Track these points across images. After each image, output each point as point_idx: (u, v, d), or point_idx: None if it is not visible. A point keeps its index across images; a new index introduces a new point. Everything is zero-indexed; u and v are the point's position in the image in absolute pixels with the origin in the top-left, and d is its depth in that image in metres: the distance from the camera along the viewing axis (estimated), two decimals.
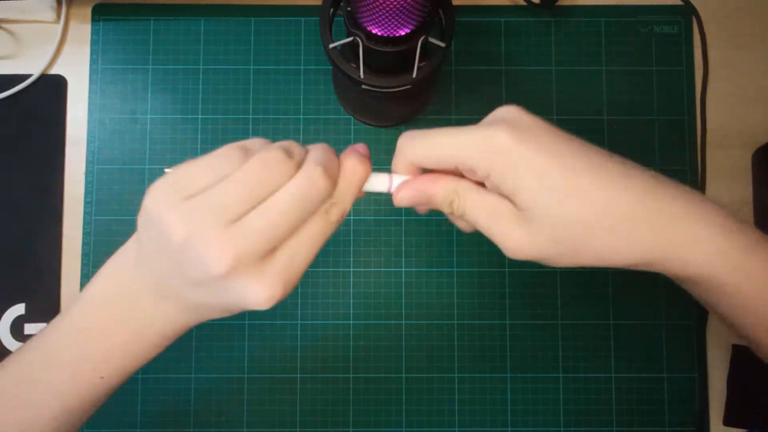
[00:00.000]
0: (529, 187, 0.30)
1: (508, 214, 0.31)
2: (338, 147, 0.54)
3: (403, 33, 0.40)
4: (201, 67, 0.55)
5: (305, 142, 0.55)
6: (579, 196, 0.29)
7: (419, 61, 0.43)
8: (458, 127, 0.31)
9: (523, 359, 0.52)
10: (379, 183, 0.34)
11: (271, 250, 0.29)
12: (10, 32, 0.55)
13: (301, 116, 0.54)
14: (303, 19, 0.55)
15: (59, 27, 0.55)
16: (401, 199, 0.33)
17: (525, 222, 0.30)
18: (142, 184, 0.53)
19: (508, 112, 0.31)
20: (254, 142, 0.32)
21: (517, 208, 0.31)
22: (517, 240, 0.31)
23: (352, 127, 0.54)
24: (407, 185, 0.33)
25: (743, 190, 0.54)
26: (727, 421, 0.52)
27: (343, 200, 0.31)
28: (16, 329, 0.52)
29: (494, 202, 0.31)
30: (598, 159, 0.31)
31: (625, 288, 0.53)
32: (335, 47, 0.43)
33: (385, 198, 0.54)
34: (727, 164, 0.54)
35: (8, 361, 0.35)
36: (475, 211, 0.32)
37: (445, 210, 0.33)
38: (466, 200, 0.32)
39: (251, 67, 0.55)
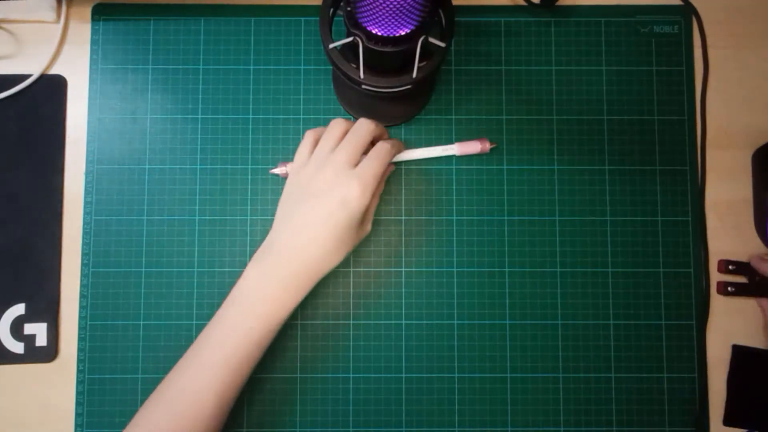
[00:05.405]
0: None
1: None
2: None
3: (403, 33, 0.40)
4: (201, 67, 0.55)
5: None
6: None
7: (419, 61, 0.43)
8: None
9: (523, 359, 0.52)
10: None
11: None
12: (10, 32, 0.55)
13: (301, 116, 0.54)
14: (303, 19, 0.55)
15: (59, 27, 0.55)
16: None
17: None
18: (142, 183, 0.53)
19: None
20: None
21: None
22: None
23: None
24: None
25: (743, 190, 0.54)
26: (727, 422, 0.52)
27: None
28: (16, 329, 0.52)
29: None
30: None
31: (625, 288, 0.53)
32: (335, 47, 0.43)
33: (385, 198, 0.54)
34: (727, 164, 0.54)
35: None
36: None
37: None
38: None
39: (251, 67, 0.55)
